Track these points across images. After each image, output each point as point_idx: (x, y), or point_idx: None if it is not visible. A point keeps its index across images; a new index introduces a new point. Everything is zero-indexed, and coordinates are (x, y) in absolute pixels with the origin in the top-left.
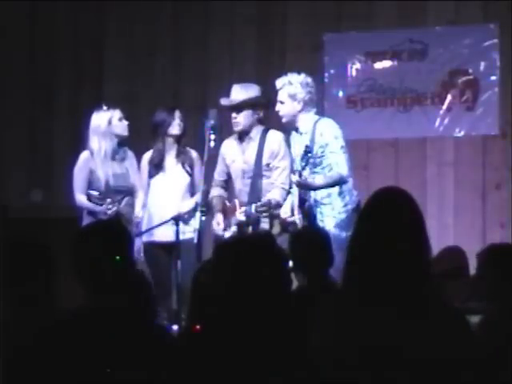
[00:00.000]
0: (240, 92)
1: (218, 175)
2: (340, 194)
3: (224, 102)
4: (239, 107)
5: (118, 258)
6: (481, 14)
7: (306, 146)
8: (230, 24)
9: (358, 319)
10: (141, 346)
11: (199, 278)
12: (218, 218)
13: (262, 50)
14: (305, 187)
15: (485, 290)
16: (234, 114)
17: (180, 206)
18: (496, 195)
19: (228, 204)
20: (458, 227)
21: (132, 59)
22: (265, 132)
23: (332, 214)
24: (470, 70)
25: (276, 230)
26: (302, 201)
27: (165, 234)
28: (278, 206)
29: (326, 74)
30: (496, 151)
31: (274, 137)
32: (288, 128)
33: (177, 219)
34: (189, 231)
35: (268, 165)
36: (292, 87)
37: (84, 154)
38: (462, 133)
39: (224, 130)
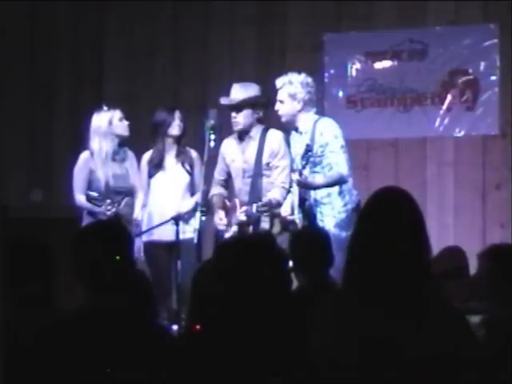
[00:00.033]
0: (240, 91)
1: (218, 174)
2: (340, 193)
3: (224, 101)
4: (239, 106)
5: (117, 258)
6: (481, 14)
7: (308, 145)
8: (230, 24)
9: (358, 319)
10: (141, 346)
11: (199, 278)
12: (220, 214)
13: (262, 50)
14: (305, 186)
15: (485, 290)
16: (233, 114)
17: (180, 205)
18: (496, 195)
19: (228, 203)
20: (458, 227)
21: (132, 59)
22: (265, 131)
23: (332, 214)
24: (470, 70)
25: (276, 229)
26: (302, 200)
27: (165, 234)
28: (279, 205)
29: (326, 74)
30: (496, 151)
31: (274, 136)
32: (288, 127)
33: (177, 219)
34: (189, 231)
35: (268, 164)
36: (292, 87)
37: (84, 154)
38: (462, 133)
39: (224, 130)
